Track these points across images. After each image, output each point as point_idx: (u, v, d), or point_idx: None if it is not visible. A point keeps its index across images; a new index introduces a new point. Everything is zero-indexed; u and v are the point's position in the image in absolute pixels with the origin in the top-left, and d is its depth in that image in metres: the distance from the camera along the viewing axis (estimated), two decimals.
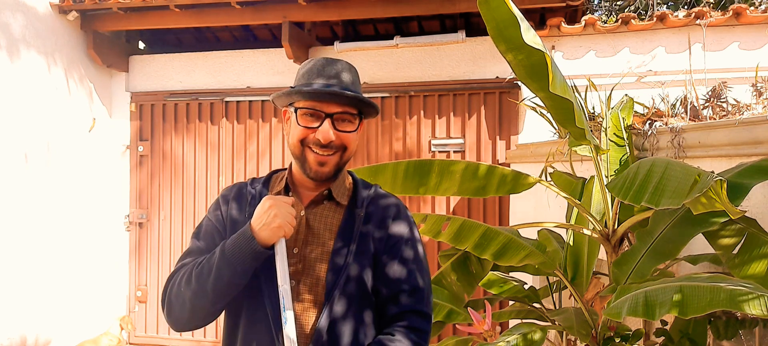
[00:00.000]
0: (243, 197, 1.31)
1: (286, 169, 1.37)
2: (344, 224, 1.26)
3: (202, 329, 4.21)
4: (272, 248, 1.17)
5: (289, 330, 1.12)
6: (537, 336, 1.63)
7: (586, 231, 1.84)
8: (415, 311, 1.22)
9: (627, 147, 2.06)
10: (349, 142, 1.23)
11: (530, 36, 1.24)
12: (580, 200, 2.02)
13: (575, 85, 2.40)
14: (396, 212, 1.31)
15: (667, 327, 1.72)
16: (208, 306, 1.16)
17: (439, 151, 4.33)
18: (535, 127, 3.88)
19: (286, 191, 1.30)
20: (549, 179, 2.36)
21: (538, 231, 2.09)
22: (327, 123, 1.19)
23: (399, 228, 1.29)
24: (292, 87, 1.23)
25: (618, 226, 1.81)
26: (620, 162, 2.02)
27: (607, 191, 1.75)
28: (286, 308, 1.14)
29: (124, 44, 4.85)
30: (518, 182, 1.92)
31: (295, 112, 1.21)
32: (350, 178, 1.35)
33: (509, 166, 3.90)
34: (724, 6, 5.65)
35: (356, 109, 1.22)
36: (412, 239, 1.30)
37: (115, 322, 4.41)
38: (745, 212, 1.53)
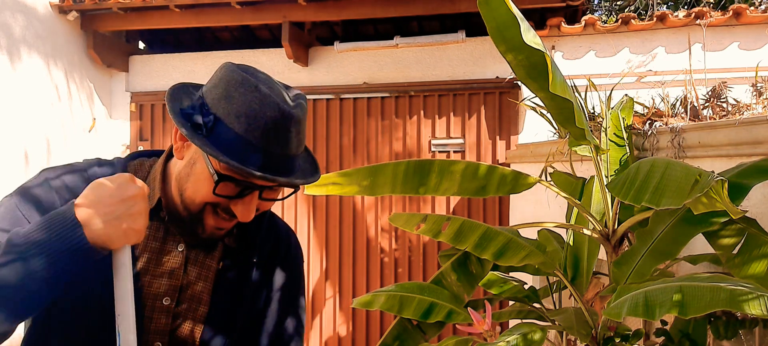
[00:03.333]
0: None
1: (147, 156, 1.00)
2: (229, 275, 0.98)
3: None
4: (108, 252, 0.78)
5: None
6: (537, 336, 1.63)
7: (586, 231, 1.84)
8: None
9: (627, 147, 2.06)
10: (268, 208, 0.96)
11: (530, 36, 1.24)
12: (580, 200, 2.02)
13: (575, 85, 2.40)
14: (290, 244, 1.09)
15: (667, 327, 1.72)
16: None
17: (439, 151, 4.33)
18: (535, 127, 3.88)
19: (156, 214, 0.93)
20: (549, 179, 2.36)
21: (538, 231, 2.09)
22: (254, 198, 0.87)
23: (295, 269, 1.09)
24: (208, 115, 0.82)
25: (618, 226, 1.80)
26: (620, 162, 2.02)
27: (607, 191, 1.75)
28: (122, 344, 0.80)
29: (124, 44, 4.86)
30: (518, 182, 1.92)
31: (215, 172, 0.83)
32: None
33: (509, 167, 3.90)
34: (724, 6, 5.65)
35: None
36: (303, 278, 1.12)
37: None
38: (746, 211, 1.53)
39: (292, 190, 0.88)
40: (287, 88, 0.89)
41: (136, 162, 0.99)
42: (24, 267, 0.70)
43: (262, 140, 0.81)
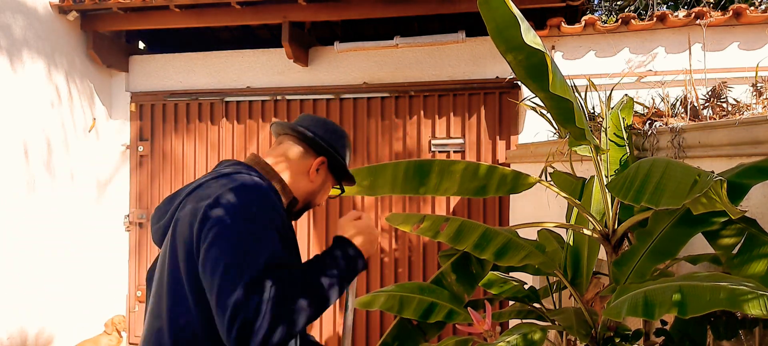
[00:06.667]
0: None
1: (247, 164, 1.37)
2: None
3: None
4: None
5: None
6: (537, 336, 1.63)
7: (586, 231, 1.84)
8: None
9: (627, 147, 2.06)
10: None
11: (530, 36, 1.24)
12: (580, 200, 2.02)
13: (575, 85, 2.40)
14: None
15: (667, 327, 1.71)
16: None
17: (439, 151, 4.33)
18: (535, 127, 3.88)
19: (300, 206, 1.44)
20: (549, 179, 2.36)
21: (538, 231, 2.09)
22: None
23: None
24: (342, 159, 1.45)
25: (618, 226, 1.80)
26: (620, 162, 2.02)
27: (607, 191, 1.75)
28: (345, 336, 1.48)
29: (124, 44, 4.86)
30: (518, 182, 1.92)
31: (339, 184, 1.50)
32: None
33: (509, 166, 3.90)
34: (724, 6, 5.65)
35: None
36: None
37: (111, 325, 4.37)
38: (745, 211, 1.53)
39: None
40: None
41: (258, 171, 1.35)
42: (339, 288, 1.21)
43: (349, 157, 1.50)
